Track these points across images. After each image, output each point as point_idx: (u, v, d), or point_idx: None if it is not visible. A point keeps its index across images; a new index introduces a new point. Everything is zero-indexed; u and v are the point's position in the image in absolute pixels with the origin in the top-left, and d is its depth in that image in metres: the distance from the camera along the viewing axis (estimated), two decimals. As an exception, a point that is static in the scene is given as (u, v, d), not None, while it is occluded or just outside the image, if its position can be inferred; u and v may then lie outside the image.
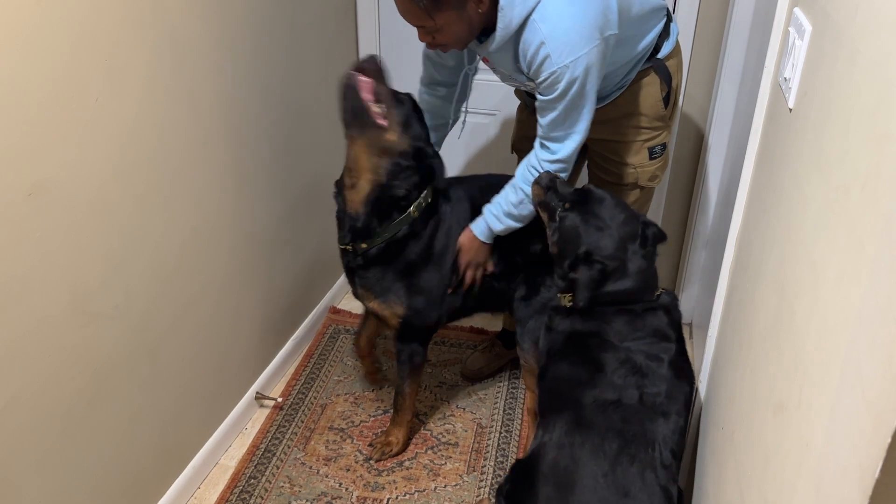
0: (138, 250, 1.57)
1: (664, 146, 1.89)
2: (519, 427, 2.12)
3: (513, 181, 1.76)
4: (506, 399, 2.22)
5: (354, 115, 1.70)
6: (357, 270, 1.86)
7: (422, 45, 1.66)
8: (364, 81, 1.69)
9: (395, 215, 1.78)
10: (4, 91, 1.19)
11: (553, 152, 1.67)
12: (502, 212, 1.77)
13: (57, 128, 1.31)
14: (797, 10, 1.10)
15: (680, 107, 2.36)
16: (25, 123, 1.24)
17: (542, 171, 1.67)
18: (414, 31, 1.58)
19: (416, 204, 1.79)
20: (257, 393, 2.15)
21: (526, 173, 1.71)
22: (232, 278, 1.97)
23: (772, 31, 1.24)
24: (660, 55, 1.80)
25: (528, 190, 1.70)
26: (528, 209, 1.73)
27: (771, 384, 0.98)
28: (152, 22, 1.52)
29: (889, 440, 0.57)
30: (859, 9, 0.81)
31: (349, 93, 1.69)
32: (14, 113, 1.21)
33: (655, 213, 2.54)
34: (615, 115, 1.82)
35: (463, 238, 1.85)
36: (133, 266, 1.56)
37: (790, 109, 1.06)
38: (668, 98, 1.84)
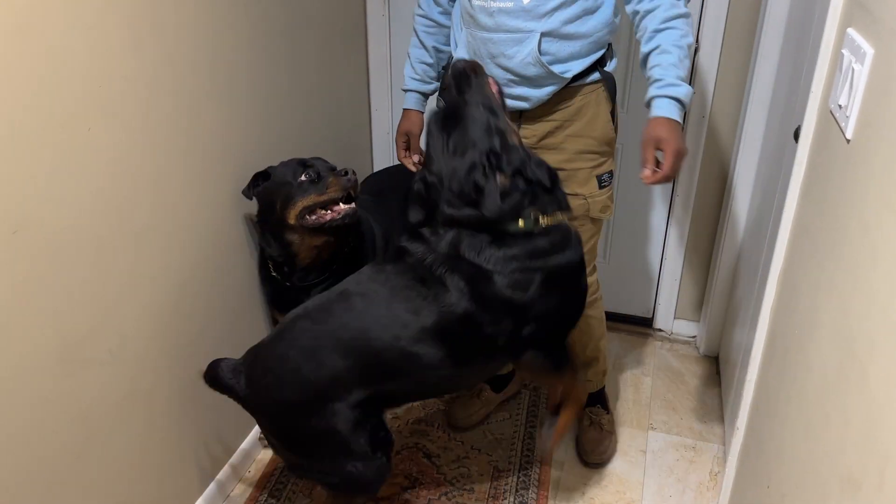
0: (134, 291, 1.47)
1: (611, 174, 1.77)
2: (538, 470, 2.00)
3: (661, 45, 1.51)
4: (523, 440, 2.10)
5: None
6: None
7: None
8: None
9: None
10: (-14, 123, 1.10)
11: None
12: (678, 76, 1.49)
13: (44, 160, 1.22)
14: (851, 31, 1.00)
15: (705, 129, 2.26)
16: (10, 155, 1.14)
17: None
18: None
19: None
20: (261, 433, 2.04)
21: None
22: (237, 315, 1.87)
23: (819, 54, 1.13)
24: (608, 68, 1.68)
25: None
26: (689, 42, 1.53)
27: (835, 452, 0.86)
28: (151, 47, 1.43)
29: None
30: (940, 30, 0.71)
31: None
32: (-3, 146, 1.12)
33: (680, 237, 2.43)
34: (561, 138, 1.70)
35: (657, 132, 1.48)
36: (128, 308, 1.46)
37: (848, 140, 0.95)
38: (614, 119, 1.74)
